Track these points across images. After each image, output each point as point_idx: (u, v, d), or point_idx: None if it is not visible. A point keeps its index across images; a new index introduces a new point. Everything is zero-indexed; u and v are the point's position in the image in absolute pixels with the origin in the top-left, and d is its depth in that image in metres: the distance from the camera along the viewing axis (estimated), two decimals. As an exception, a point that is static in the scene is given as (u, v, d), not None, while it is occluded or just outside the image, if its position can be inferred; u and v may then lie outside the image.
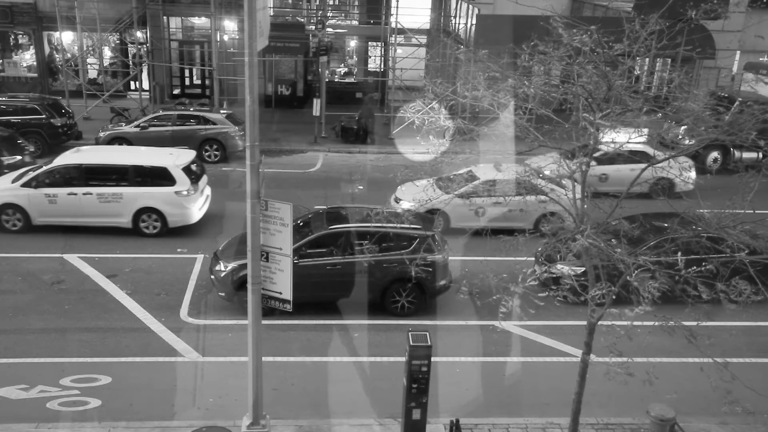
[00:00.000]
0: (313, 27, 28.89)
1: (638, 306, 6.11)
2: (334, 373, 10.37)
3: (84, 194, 14.76)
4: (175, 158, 15.52)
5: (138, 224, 15.00)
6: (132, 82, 28.94)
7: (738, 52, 27.65)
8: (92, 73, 29.16)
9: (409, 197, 15.62)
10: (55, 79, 29.06)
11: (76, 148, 16.54)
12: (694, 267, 6.15)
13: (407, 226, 10.55)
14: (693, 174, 15.65)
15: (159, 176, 14.99)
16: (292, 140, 24.27)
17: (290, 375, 10.24)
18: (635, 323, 6.61)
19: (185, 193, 14.91)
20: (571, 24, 6.77)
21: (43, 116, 21.06)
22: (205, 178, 16.14)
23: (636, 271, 6.23)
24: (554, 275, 9.02)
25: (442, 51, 27.65)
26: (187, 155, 16.03)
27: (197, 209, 15.30)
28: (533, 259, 12.43)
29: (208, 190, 16.35)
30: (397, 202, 15.69)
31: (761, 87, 23.09)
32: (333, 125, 24.46)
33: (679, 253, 6.28)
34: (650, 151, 18.06)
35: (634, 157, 17.14)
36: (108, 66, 29.48)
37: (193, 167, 15.74)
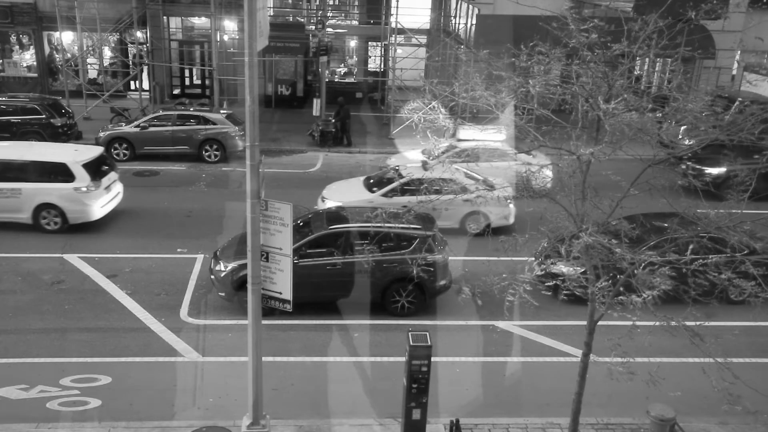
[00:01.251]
0: (313, 27, 28.90)
1: (645, 293, 6.09)
2: (334, 373, 10.37)
3: None
4: (77, 154, 15.50)
5: (38, 220, 14.98)
6: (132, 82, 28.95)
7: (738, 52, 27.66)
8: (92, 73, 29.17)
9: (336, 197, 15.65)
10: (55, 79, 29.06)
11: None
12: (700, 260, 6.17)
13: (407, 226, 10.55)
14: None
15: (58, 172, 14.98)
16: (292, 140, 24.28)
17: (290, 375, 10.24)
18: (637, 323, 6.61)
19: (84, 189, 14.88)
20: (575, 22, 6.77)
21: (43, 116, 21.08)
22: (113, 175, 16.06)
23: (642, 266, 6.24)
24: (555, 273, 9.03)
25: (442, 51, 27.65)
26: (91, 152, 15.99)
27: (99, 206, 15.25)
28: (533, 259, 12.46)
29: (118, 187, 16.32)
30: (323, 201, 15.70)
31: (763, 86, 23.09)
32: (309, 130, 24.28)
33: (690, 246, 6.29)
34: (510, 150, 18.31)
35: (489, 156, 17.37)
36: (108, 66, 29.49)
37: (104, 166, 15.75)
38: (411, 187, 15.21)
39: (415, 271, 8.75)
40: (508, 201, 14.78)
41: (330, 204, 15.25)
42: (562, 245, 6.96)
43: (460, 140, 18.61)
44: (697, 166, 18.51)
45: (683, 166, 18.15)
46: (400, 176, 15.70)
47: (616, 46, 6.63)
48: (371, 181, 16.37)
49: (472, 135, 18.71)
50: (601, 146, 6.80)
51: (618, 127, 6.64)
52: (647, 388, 7.02)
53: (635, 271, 6.35)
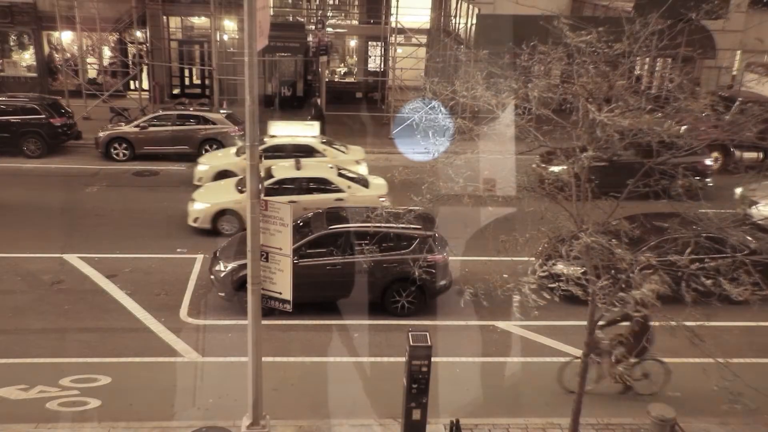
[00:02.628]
0: (313, 26, 28.86)
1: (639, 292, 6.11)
2: (334, 373, 10.36)
3: None
4: None
5: None
6: (132, 82, 28.92)
7: (739, 52, 27.64)
8: (92, 73, 29.13)
9: (206, 198, 15.53)
10: (55, 79, 29.02)
11: None
12: (697, 264, 6.16)
13: (407, 226, 10.54)
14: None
15: None
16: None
17: (290, 375, 10.23)
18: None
19: None
20: (574, 25, 6.75)
21: (43, 116, 21.02)
22: None
23: (638, 269, 6.24)
24: (556, 273, 9.04)
25: (442, 51, 27.63)
26: None
27: None
28: (533, 259, 12.45)
29: None
30: (192, 203, 15.47)
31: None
32: None
33: (688, 250, 6.29)
34: (319, 146, 18.24)
35: (300, 153, 17.56)
36: (108, 66, 29.46)
37: None
38: (286, 186, 15.26)
39: (416, 273, 8.74)
40: (382, 200, 14.75)
41: (198, 206, 15.14)
42: (562, 245, 6.95)
43: (272, 136, 18.51)
44: (543, 164, 18.22)
45: (534, 165, 18.14)
46: (270, 176, 15.56)
47: (617, 46, 6.61)
48: (242, 182, 15.96)
49: (283, 131, 18.66)
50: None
51: (616, 129, 6.60)
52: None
53: (630, 275, 6.34)
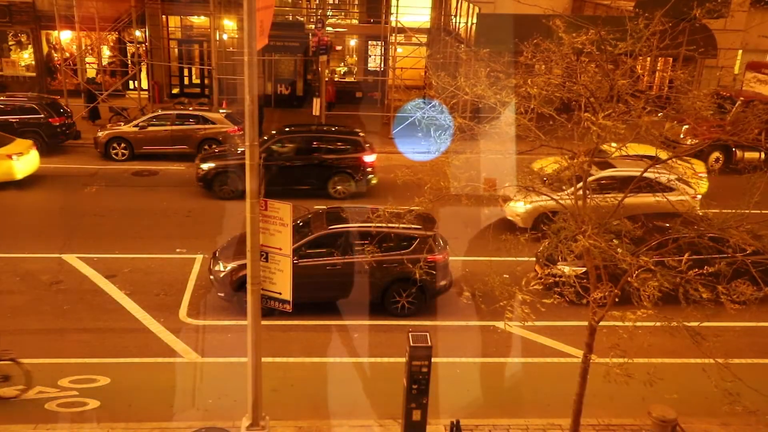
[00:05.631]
0: (313, 26, 28.83)
1: (640, 309, 6.08)
2: (334, 373, 10.33)
3: None
4: None
5: None
6: (131, 82, 28.86)
7: (740, 51, 27.62)
8: (91, 73, 29.07)
9: None
10: (54, 79, 28.96)
11: None
12: (696, 269, 6.11)
13: (408, 226, 10.49)
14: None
15: None
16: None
17: (290, 376, 10.20)
18: (637, 324, 6.57)
19: None
20: (574, 24, 6.71)
21: (42, 116, 20.97)
22: None
23: (637, 272, 6.19)
24: (556, 277, 9.00)
25: (443, 50, 27.59)
26: None
27: None
28: (534, 259, 12.42)
29: None
30: None
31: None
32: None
33: (687, 254, 6.23)
34: None
35: None
36: (107, 65, 29.40)
37: None
38: None
39: (417, 274, 8.71)
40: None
41: None
42: (563, 245, 6.91)
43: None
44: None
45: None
46: None
47: (620, 45, 6.57)
48: None
49: None
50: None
51: (615, 130, 6.56)
52: (648, 389, 6.99)
53: (631, 278, 6.30)
